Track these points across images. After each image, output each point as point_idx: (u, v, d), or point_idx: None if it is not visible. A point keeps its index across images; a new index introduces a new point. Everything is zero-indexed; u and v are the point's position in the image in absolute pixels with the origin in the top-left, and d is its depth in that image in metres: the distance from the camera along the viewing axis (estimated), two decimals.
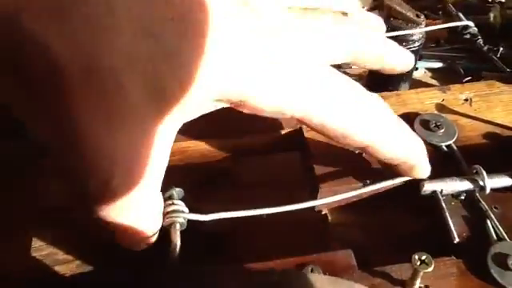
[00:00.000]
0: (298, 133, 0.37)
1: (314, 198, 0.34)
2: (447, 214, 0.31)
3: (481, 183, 0.32)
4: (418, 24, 0.57)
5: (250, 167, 0.37)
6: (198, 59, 0.22)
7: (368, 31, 0.32)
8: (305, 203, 0.31)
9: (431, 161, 0.32)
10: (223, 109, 0.36)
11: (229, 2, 0.23)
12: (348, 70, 0.47)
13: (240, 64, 0.23)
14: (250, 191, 0.36)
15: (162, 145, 0.24)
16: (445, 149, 0.36)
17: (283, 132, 0.38)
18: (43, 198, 0.36)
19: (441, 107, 0.39)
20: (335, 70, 0.27)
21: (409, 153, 0.30)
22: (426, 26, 0.57)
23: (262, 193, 0.35)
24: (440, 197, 0.32)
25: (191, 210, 0.28)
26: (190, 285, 0.24)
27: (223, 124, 0.36)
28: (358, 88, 0.28)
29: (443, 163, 0.35)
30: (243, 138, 0.37)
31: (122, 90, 0.21)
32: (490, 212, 0.32)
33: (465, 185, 0.32)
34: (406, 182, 0.32)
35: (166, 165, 0.26)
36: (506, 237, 0.30)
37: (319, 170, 0.34)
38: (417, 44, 0.56)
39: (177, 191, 0.29)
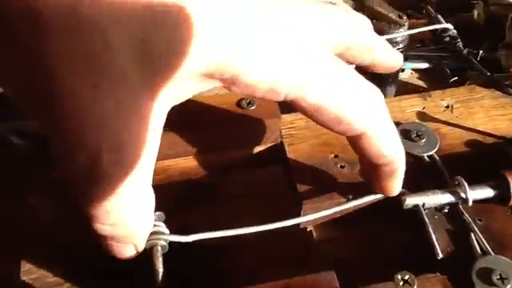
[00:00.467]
0: (279, 147, 0.37)
1: (298, 212, 0.33)
2: (430, 228, 0.31)
3: (463, 195, 0.32)
4: (400, 25, 0.56)
5: (233, 182, 0.37)
6: (187, 26, 0.21)
7: (359, 23, 0.32)
8: (289, 221, 0.30)
9: (413, 172, 0.32)
10: (204, 123, 0.36)
11: None
12: None
13: (231, 35, 0.22)
14: (235, 206, 0.35)
15: (153, 122, 0.23)
16: (427, 159, 0.35)
17: (264, 147, 0.37)
18: (30, 216, 0.35)
19: (422, 115, 0.39)
20: (331, 54, 0.27)
21: (396, 152, 0.29)
22: (409, 25, 0.57)
23: (247, 207, 0.35)
24: (422, 211, 0.32)
25: (175, 229, 0.28)
26: None
27: (204, 141, 0.35)
28: (356, 74, 0.27)
29: (425, 174, 0.35)
30: (225, 153, 0.37)
31: (109, 49, 0.20)
32: (473, 225, 0.31)
33: (447, 197, 0.32)
34: (388, 198, 0.32)
35: (156, 154, 0.24)
36: (490, 250, 0.30)
37: (301, 186, 0.34)
38: (401, 46, 0.56)
39: (157, 214, 0.28)
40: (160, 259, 0.27)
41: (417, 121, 0.38)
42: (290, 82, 0.24)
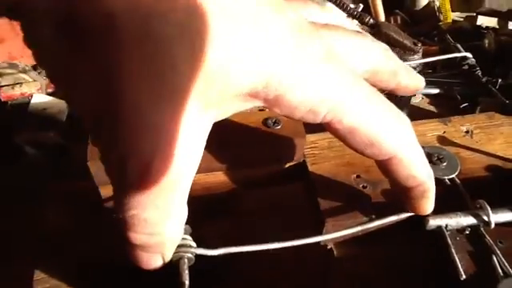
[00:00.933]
0: (301, 166, 0.37)
1: (319, 230, 0.34)
2: (453, 249, 0.31)
3: (485, 218, 0.32)
4: (415, 52, 0.58)
5: (255, 198, 0.37)
6: (240, 48, 0.22)
7: (385, 50, 0.33)
8: (311, 238, 0.31)
9: (435, 194, 0.33)
10: (230, 141, 0.37)
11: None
12: None
13: (277, 57, 0.23)
14: (254, 222, 0.36)
15: (200, 137, 0.24)
16: (448, 182, 0.36)
17: (287, 165, 0.38)
18: (44, 227, 0.36)
19: (442, 139, 0.40)
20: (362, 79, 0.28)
21: (426, 174, 0.30)
22: (423, 52, 0.58)
23: (267, 224, 0.35)
24: (445, 232, 0.32)
25: (198, 243, 0.28)
26: None
27: (229, 158, 0.36)
28: (385, 99, 0.28)
29: (446, 197, 0.35)
30: (249, 170, 0.37)
31: (171, 61, 0.21)
32: (494, 247, 0.32)
33: (469, 220, 0.32)
34: (411, 217, 0.32)
35: (197, 166, 0.25)
36: (511, 272, 0.30)
37: (324, 203, 0.34)
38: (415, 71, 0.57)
39: (184, 228, 0.29)
40: (186, 271, 0.27)
41: (437, 145, 0.39)
42: (329, 103, 0.25)
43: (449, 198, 0.35)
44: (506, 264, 0.31)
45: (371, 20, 0.65)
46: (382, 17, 0.88)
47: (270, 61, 0.23)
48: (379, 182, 0.36)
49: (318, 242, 0.34)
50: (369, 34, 0.32)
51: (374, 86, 0.31)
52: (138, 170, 0.22)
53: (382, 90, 0.33)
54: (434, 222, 0.32)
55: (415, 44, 0.59)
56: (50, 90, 0.63)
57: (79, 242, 0.36)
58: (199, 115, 0.23)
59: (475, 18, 0.88)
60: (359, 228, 0.32)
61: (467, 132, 0.40)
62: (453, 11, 0.89)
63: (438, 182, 0.36)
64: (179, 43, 0.21)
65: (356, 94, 0.26)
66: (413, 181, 0.30)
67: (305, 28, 0.25)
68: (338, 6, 0.66)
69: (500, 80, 0.47)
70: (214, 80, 0.22)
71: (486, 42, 0.82)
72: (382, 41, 0.66)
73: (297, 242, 0.30)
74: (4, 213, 0.37)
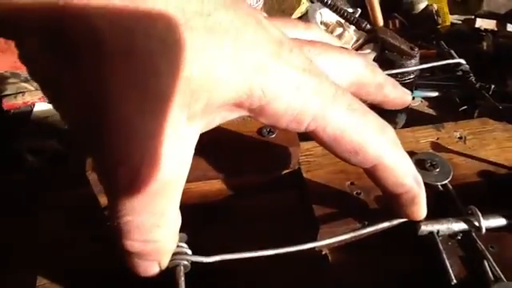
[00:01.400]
0: (296, 173, 0.38)
1: (314, 236, 0.34)
2: (444, 255, 0.32)
3: (476, 224, 0.33)
4: (412, 56, 0.58)
5: (250, 206, 0.38)
6: (223, 59, 0.23)
7: (370, 64, 0.34)
8: (306, 245, 0.31)
9: (428, 200, 0.33)
10: (224, 150, 0.38)
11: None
12: None
13: (261, 67, 0.24)
14: (251, 229, 0.36)
15: (187, 145, 0.25)
16: (440, 188, 0.37)
17: (282, 173, 0.39)
18: (44, 232, 0.37)
19: (436, 146, 0.40)
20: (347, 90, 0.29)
21: (414, 181, 0.30)
22: (420, 55, 0.59)
23: (263, 230, 0.36)
24: (437, 238, 0.32)
25: (194, 250, 0.29)
26: None
27: (223, 167, 0.37)
28: (368, 109, 0.29)
29: (439, 202, 0.36)
30: (243, 179, 0.38)
31: (155, 73, 0.22)
32: (486, 252, 0.32)
33: (460, 225, 0.33)
34: (403, 223, 0.33)
35: (187, 174, 0.26)
36: (502, 277, 0.31)
37: (318, 210, 0.35)
38: (412, 76, 0.58)
39: (180, 235, 0.30)
40: (182, 279, 0.28)
41: (431, 151, 0.40)
42: (312, 112, 0.26)
43: (441, 204, 0.35)
44: (497, 269, 0.31)
45: (368, 25, 0.65)
46: (380, 20, 0.88)
47: (252, 72, 0.24)
48: (372, 189, 0.36)
49: (313, 248, 0.35)
50: (353, 50, 0.33)
51: (360, 99, 0.32)
52: (128, 177, 0.23)
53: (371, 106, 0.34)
54: (425, 228, 0.33)
55: (412, 48, 0.60)
56: None
57: (79, 249, 0.36)
58: (185, 126, 0.24)
59: (473, 21, 0.88)
60: (352, 234, 0.32)
61: (460, 138, 0.41)
62: (451, 14, 0.90)
63: (431, 188, 0.36)
64: (162, 57, 0.22)
65: (338, 102, 0.27)
66: (401, 188, 0.30)
67: (286, 43, 0.26)
68: (335, 11, 0.67)
69: (493, 86, 0.48)
70: (198, 92, 0.23)
71: (485, 44, 0.83)
72: (379, 46, 0.67)
73: (291, 249, 0.31)
74: (6, 220, 0.38)
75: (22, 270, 0.36)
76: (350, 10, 0.83)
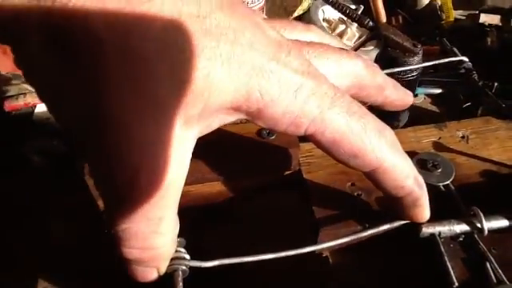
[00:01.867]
0: (296, 175, 0.38)
1: (315, 238, 0.34)
2: (446, 258, 0.31)
3: (478, 225, 0.32)
4: (415, 53, 0.58)
5: (251, 208, 0.38)
6: (221, 62, 0.23)
7: (371, 65, 0.34)
8: (306, 248, 0.31)
9: (430, 201, 0.33)
10: (224, 152, 0.38)
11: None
12: None
13: (258, 70, 0.24)
14: (251, 231, 0.36)
15: (186, 149, 0.25)
16: (442, 189, 0.36)
17: (283, 174, 0.38)
18: (47, 235, 0.37)
19: (438, 145, 0.40)
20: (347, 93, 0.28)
21: (415, 183, 0.30)
22: (424, 52, 0.58)
23: (263, 233, 0.36)
24: (439, 240, 0.32)
25: (194, 253, 0.29)
26: None
27: (224, 169, 0.37)
28: (368, 112, 0.28)
29: (441, 203, 0.35)
30: (244, 180, 0.38)
31: (153, 76, 0.22)
32: (488, 254, 0.32)
33: (462, 227, 0.33)
34: (404, 225, 0.32)
35: (184, 179, 0.26)
36: (505, 279, 0.30)
37: (319, 212, 0.35)
38: (415, 73, 0.57)
39: (179, 240, 0.29)
40: (181, 284, 0.28)
41: (433, 151, 0.39)
42: (311, 116, 0.26)
43: (443, 205, 0.35)
44: (500, 271, 0.31)
45: (370, 22, 0.65)
46: (383, 17, 0.87)
47: (250, 75, 0.24)
48: (374, 190, 0.36)
49: (315, 251, 0.35)
50: (353, 51, 0.32)
51: (361, 101, 0.32)
52: (126, 183, 0.23)
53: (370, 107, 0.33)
54: (427, 230, 0.32)
55: (415, 45, 0.59)
56: None
57: (81, 253, 0.36)
58: (183, 130, 0.24)
59: (478, 16, 0.87)
60: (353, 237, 0.32)
61: (463, 137, 0.41)
62: (455, 9, 0.89)
63: (433, 188, 0.36)
64: (158, 60, 0.21)
65: (337, 105, 0.26)
66: (401, 191, 0.30)
67: (284, 45, 0.25)
68: (336, 8, 0.66)
69: (496, 84, 0.47)
70: (195, 95, 0.23)
71: (489, 40, 0.82)
72: (382, 43, 0.66)
73: (291, 253, 0.30)
74: (9, 223, 0.38)
75: (22, 271, 0.36)
76: (353, 7, 0.83)
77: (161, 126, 0.23)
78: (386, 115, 0.61)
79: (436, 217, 0.33)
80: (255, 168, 0.37)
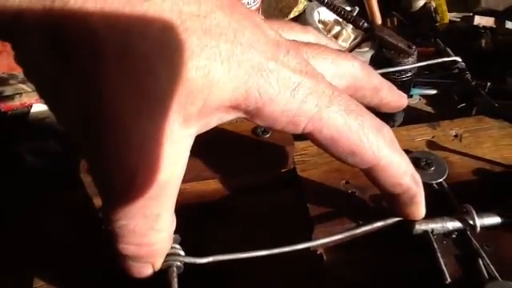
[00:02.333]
0: (291, 173, 0.38)
1: (309, 236, 0.34)
2: (439, 254, 0.32)
3: (471, 222, 0.32)
4: (409, 54, 0.58)
5: (246, 206, 0.38)
6: (220, 61, 0.23)
7: (366, 67, 0.34)
8: (300, 245, 0.31)
9: None
10: (220, 150, 0.38)
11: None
12: None
13: (257, 68, 0.24)
14: (247, 229, 0.36)
15: (184, 148, 0.25)
16: (436, 187, 0.36)
17: (277, 172, 0.38)
18: (43, 233, 0.37)
19: (431, 144, 0.40)
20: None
21: (412, 180, 0.31)
22: (419, 53, 0.59)
23: (259, 230, 0.36)
24: (432, 237, 0.32)
25: (190, 250, 0.29)
26: None
27: (219, 166, 0.37)
28: (366, 110, 0.29)
29: (434, 201, 0.35)
30: (239, 178, 0.38)
31: (152, 75, 0.22)
32: (481, 250, 0.32)
33: (455, 224, 0.33)
34: (398, 222, 0.33)
35: (182, 177, 0.26)
36: (497, 276, 0.31)
37: (313, 209, 0.35)
38: (409, 73, 0.58)
39: (174, 237, 0.30)
40: (175, 280, 0.28)
41: (426, 149, 0.40)
42: (309, 114, 0.26)
43: (437, 203, 0.35)
44: (492, 267, 0.31)
45: (365, 24, 0.65)
46: (378, 19, 0.88)
47: (249, 74, 0.24)
48: (368, 188, 0.36)
49: (309, 248, 0.35)
50: (350, 53, 0.33)
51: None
52: (124, 181, 0.23)
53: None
54: (420, 227, 0.33)
55: (409, 46, 0.59)
56: None
57: (78, 251, 0.36)
58: (181, 128, 0.24)
59: (472, 18, 0.88)
60: (346, 234, 0.32)
61: (456, 136, 0.41)
62: (449, 11, 0.89)
63: (426, 186, 0.36)
64: (158, 59, 0.22)
65: (335, 103, 0.27)
66: (399, 188, 0.30)
67: (283, 44, 0.26)
68: (332, 10, 0.67)
69: (489, 83, 0.48)
70: (194, 94, 0.23)
71: (483, 41, 0.82)
72: (377, 44, 0.66)
73: (285, 249, 0.31)
74: (4, 222, 0.38)
75: (18, 270, 0.36)
76: (348, 9, 0.83)
77: (159, 125, 0.23)
78: (382, 115, 0.61)
79: (429, 214, 0.33)
80: (250, 166, 0.38)
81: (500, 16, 0.87)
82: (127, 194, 0.24)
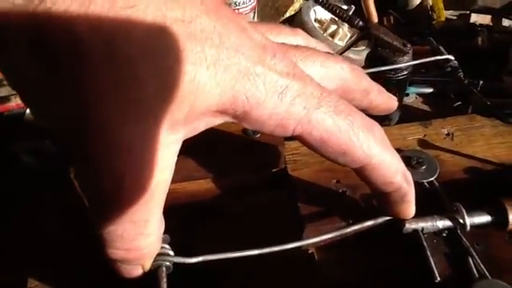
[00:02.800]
0: (282, 173, 0.38)
1: (300, 235, 0.34)
2: (429, 253, 0.32)
3: (461, 221, 0.32)
4: (404, 53, 0.58)
5: (237, 206, 0.38)
6: (206, 66, 0.23)
7: (356, 69, 0.34)
8: (290, 244, 0.31)
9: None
10: (210, 150, 0.38)
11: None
12: None
13: (243, 73, 0.24)
14: (238, 229, 0.36)
15: (171, 151, 0.25)
16: (427, 185, 0.36)
17: (268, 172, 0.39)
18: (37, 233, 0.37)
19: (423, 143, 0.40)
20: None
21: (403, 179, 0.30)
22: (415, 52, 0.58)
23: (250, 230, 0.36)
24: (422, 236, 0.32)
25: (182, 249, 0.29)
26: None
27: (210, 167, 0.37)
28: (356, 109, 0.29)
29: (425, 200, 0.35)
30: (230, 178, 0.38)
31: (137, 81, 0.22)
32: (471, 249, 0.32)
33: (445, 223, 0.33)
34: (388, 221, 0.33)
35: (170, 181, 0.26)
36: (487, 274, 0.31)
37: (304, 209, 0.35)
38: (405, 72, 0.58)
39: (163, 237, 0.30)
40: (164, 280, 0.28)
41: (418, 148, 0.40)
42: (297, 117, 0.26)
43: (428, 202, 0.35)
44: (482, 266, 0.31)
45: (360, 22, 0.65)
46: (374, 17, 0.88)
47: (235, 78, 0.24)
48: (358, 187, 0.36)
49: (298, 247, 0.35)
50: (339, 56, 0.33)
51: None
52: (111, 188, 0.23)
53: None
54: (410, 226, 0.33)
55: (404, 45, 0.59)
56: None
57: (75, 250, 0.36)
58: (168, 133, 0.24)
59: (469, 16, 0.88)
60: (337, 233, 0.32)
61: (448, 134, 0.41)
62: (446, 9, 0.89)
63: (417, 185, 0.36)
64: (142, 63, 0.21)
65: (324, 105, 0.27)
66: (390, 186, 0.30)
67: (269, 48, 0.26)
68: (327, 9, 0.67)
69: (481, 82, 0.48)
70: (181, 99, 0.23)
71: (480, 39, 0.82)
72: (372, 43, 0.66)
73: (275, 249, 0.31)
74: (0, 221, 0.38)
75: (12, 270, 0.36)
76: (344, 7, 0.83)
77: (146, 130, 0.23)
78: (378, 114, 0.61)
79: (420, 213, 0.33)
80: (241, 166, 0.38)
81: (497, 14, 0.87)
82: (114, 199, 0.24)
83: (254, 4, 0.71)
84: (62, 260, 0.36)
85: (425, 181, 0.36)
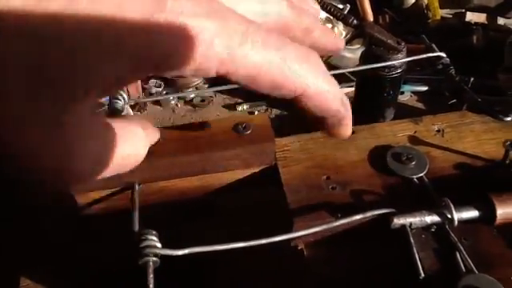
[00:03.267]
0: (273, 169, 0.38)
1: (290, 230, 0.35)
2: (415, 249, 0.32)
3: (449, 216, 0.33)
4: (398, 51, 0.59)
5: (228, 202, 0.38)
6: (108, 20, 0.22)
7: (299, 8, 0.32)
8: (279, 236, 0.31)
9: (402, 193, 0.33)
10: (201, 147, 0.38)
11: None
12: None
13: (147, 25, 0.23)
14: (229, 225, 0.37)
15: (87, 120, 0.24)
16: (416, 181, 0.37)
17: (259, 169, 0.39)
18: (34, 236, 0.37)
19: (413, 139, 0.40)
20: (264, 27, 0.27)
21: (340, 104, 0.29)
22: (409, 50, 0.59)
23: (241, 226, 0.36)
24: (409, 231, 0.33)
25: (172, 246, 0.29)
26: None
27: (201, 164, 0.37)
28: (288, 40, 0.27)
29: (414, 196, 0.36)
30: (221, 175, 0.38)
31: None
32: (459, 244, 0.32)
33: (433, 218, 0.33)
34: (377, 216, 0.33)
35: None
36: (474, 269, 0.31)
37: (293, 204, 0.35)
38: (399, 70, 0.58)
39: (151, 231, 0.30)
40: (151, 276, 0.28)
41: (408, 144, 0.40)
42: (218, 57, 0.24)
43: (417, 197, 0.36)
44: (469, 260, 0.31)
45: (355, 21, 0.65)
46: (369, 16, 0.88)
47: (139, 32, 0.22)
48: (348, 183, 0.36)
49: (290, 244, 0.35)
50: None
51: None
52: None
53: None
54: (398, 221, 0.33)
55: (398, 43, 0.60)
56: None
57: (72, 250, 0.37)
58: (82, 101, 0.22)
59: (464, 15, 0.88)
60: (325, 226, 0.32)
61: (438, 131, 0.41)
62: (441, 8, 0.90)
63: (407, 181, 0.37)
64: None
65: (249, 40, 0.25)
66: (327, 112, 0.29)
67: None
68: (321, 7, 0.67)
69: (472, 79, 0.48)
70: (90, 63, 0.22)
71: (475, 38, 0.82)
72: (367, 41, 0.66)
73: (262, 241, 0.31)
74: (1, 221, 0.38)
75: (5, 269, 0.36)
76: (340, 6, 0.83)
77: (56, 105, 0.21)
78: (371, 112, 0.61)
79: (410, 209, 0.33)
80: (232, 163, 0.38)
81: (492, 12, 0.87)
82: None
83: None
84: (59, 260, 0.36)
85: (414, 177, 0.37)
